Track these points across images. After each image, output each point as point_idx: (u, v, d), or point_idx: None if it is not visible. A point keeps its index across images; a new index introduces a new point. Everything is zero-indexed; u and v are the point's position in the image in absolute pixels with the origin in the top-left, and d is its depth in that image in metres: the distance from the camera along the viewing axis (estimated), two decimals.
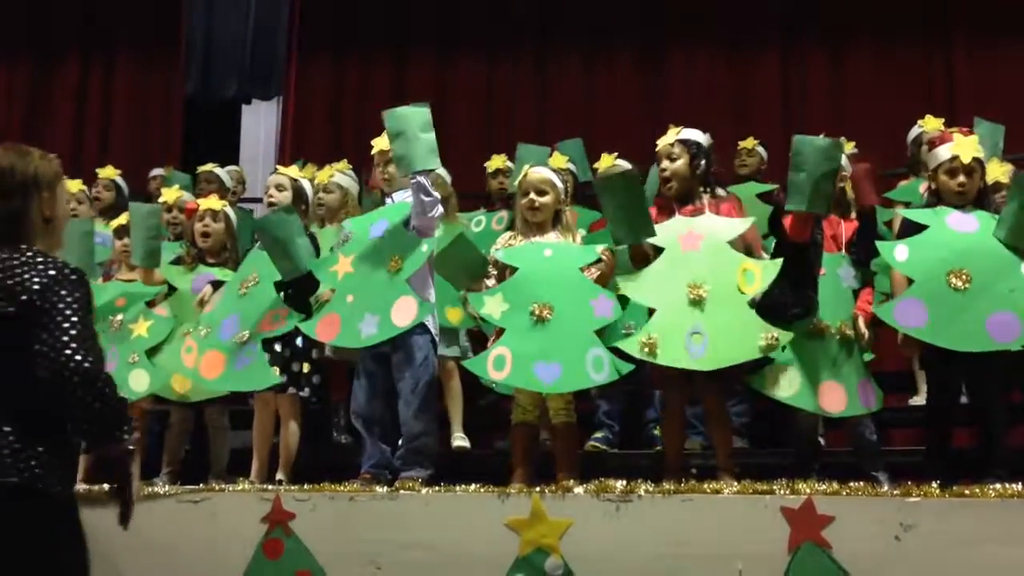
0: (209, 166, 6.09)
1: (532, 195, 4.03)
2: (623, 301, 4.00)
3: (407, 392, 3.91)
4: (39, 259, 2.29)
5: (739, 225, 3.88)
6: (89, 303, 2.30)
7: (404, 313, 3.85)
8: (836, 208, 4.00)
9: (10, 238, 2.33)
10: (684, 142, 3.96)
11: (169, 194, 5.14)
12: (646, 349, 3.67)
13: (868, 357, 3.95)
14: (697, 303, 3.70)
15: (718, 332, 3.66)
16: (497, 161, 5.63)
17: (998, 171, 4.36)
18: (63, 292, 2.24)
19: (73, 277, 2.29)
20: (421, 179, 3.92)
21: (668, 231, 3.87)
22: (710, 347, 3.65)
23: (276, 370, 4.06)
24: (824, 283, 3.75)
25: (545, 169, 4.12)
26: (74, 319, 2.21)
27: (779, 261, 3.80)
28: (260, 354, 4.05)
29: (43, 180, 2.41)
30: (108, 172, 5.89)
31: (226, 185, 6.04)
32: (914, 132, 5.22)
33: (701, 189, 3.95)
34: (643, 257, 3.89)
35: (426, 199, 3.93)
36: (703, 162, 3.97)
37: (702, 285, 3.71)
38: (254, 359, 4.03)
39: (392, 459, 3.97)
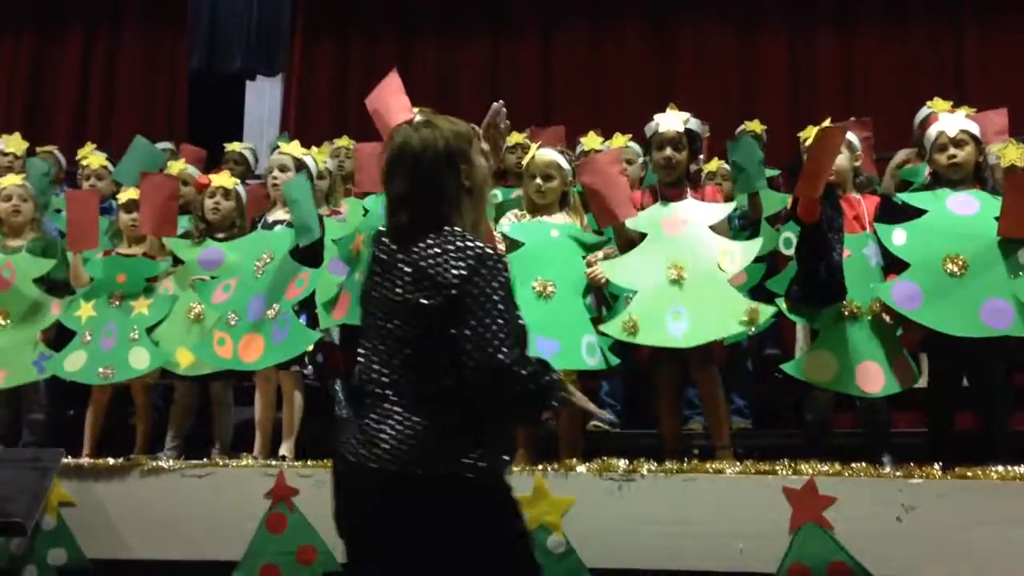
0: (237, 146, 6.06)
1: (538, 179, 4.04)
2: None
3: None
4: (459, 243, 2.18)
5: (721, 210, 3.93)
6: (511, 286, 2.19)
7: None
8: (856, 187, 4.01)
9: (432, 220, 2.23)
10: (691, 132, 4.00)
11: (175, 167, 5.14)
12: (627, 330, 3.72)
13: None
14: (677, 283, 3.77)
15: (698, 310, 3.72)
16: (516, 137, 5.59)
17: (1015, 154, 4.35)
18: (486, 279, 2.14)
19: (492, 261, 2.17)
20: None
21: (651, 216, 3.94)
22: (690, 325, 3.69)
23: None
24: (851, 264, 3.75)
25: (552, 152, 4.12)
26: (497, 312, 2.12)
27: (758, 241, 3.93)
28: (294, 319, 4.08)
29: (456, 151, 2.27)
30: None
31: (251, 166, 6.03)
32: (922, 114, 5.19)
33: (687, 177, 4.04)
34: (629, 242, 3.94)
35: None
36: (700, 155, 4.10)
37: (683, 266, 3.77)
38: (289, 327, 4.06)
39: None
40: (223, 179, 4.54)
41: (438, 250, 2.18)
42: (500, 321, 2.12)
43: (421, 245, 2.21)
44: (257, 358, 4.06)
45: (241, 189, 4.61)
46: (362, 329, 2.33)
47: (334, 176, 4.83)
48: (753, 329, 3.83)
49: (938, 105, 4.61)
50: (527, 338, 2.21)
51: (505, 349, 2.10)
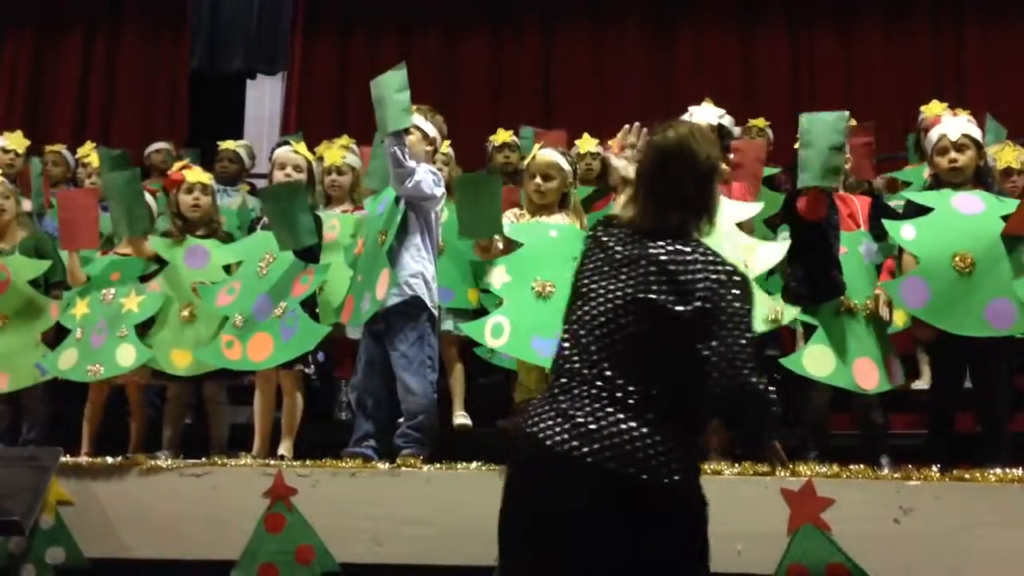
0: (231, 144, 6.06)
1: (538, 179, 4.03)
2: None
3: (402, 370, 3.86)
4: (711, 256, 2.18)
5: (748, 209, 3.91)
6: (753, 309, 2.20)
7: (383, 286, 3.83)
8: (845, 188, 4.01)
9: (693, 226, 2.24)
10: (722, 128, 3.98)
11: (177, 167, 5.12)
12: None
13: (893, 329, 3.94)
14: None
15: None
16: (503, 135, 5.59)
17: (1010, 156, 4.36)
18: (739, 297, 2.15)
19: (739, 278, 2.18)
20: (394, 147, 3.75)
21: None
22: None
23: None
24: (847, 261, 3.77)
25: (553, 152, 4.12)
26: (748, 333, 2.14)
27: (786, 243, 3.88)
28: (302, 316, 4.07)
29: (717, 167, 2.31)
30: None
31: (245, 164, 6.04)
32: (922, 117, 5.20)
33: None
34: None
35: (395, 169, 3.78)
36: (730, 154, 4.09)
37: None
38: (298, 324, 4.05)
39: (376, 433, 3.94)
40: (198, 175, 4.51)
41: (690, 257, 2.17)
42: (747, 340, 2.14)
43: (671, 249, 2.18)
44: (267, 357, 4.06)
45: (214, 184, 4.61)
46: (568, 316, 2.29)
47: (357, 172, 4.81)
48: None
49: (932, 109, 4.63)
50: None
51: (753, 369, 2.13)
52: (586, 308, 2.23)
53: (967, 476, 3.34)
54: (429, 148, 4.12)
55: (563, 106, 7.57)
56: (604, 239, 2.29)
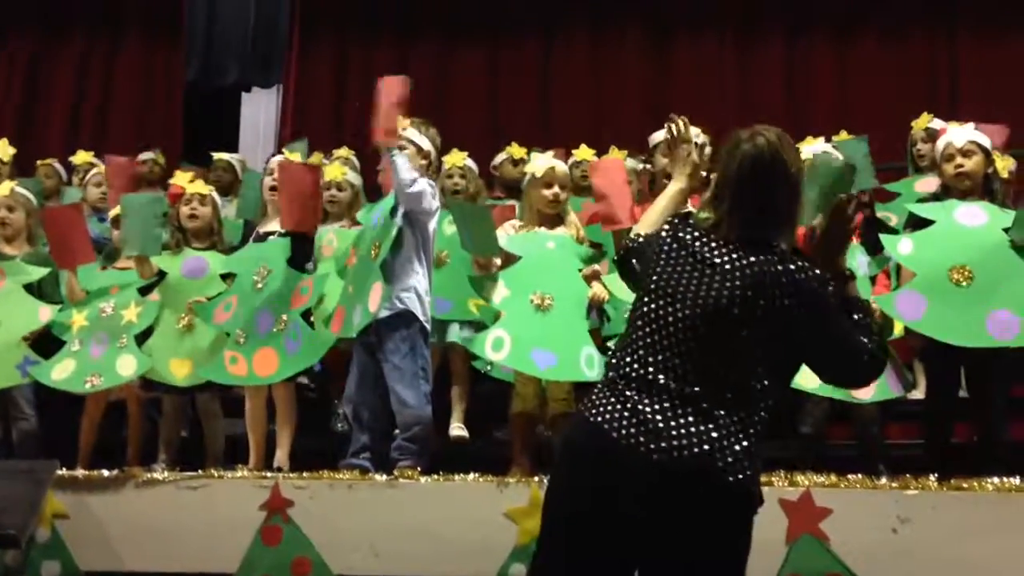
0: (225, 156, 6.07)
1: (556, 188, 4.07)
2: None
3: (395, 382, 3.85)
4: (800, 265, 2.17)
5: None
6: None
7: (376, 299, 3.82)
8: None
9: (775, 238, 2.21)
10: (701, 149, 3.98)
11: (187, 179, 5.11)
12: None
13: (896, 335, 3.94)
14: None
15: None
16: (518, 151, 5.56)
17: (1000, 165, 4.37)
18: (830, 293, 2.18)
19: (829, 280, 2.20)
20: (395, 156, 3.82)
21: None
22: None
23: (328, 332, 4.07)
24: None
25: (563, 163, 4.18)
26: (840, 318, 2.19)
27: None
28: (305, 328, 4.07)
29: (803, 175, 2.29)
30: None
31: (238, 175, 6.05)
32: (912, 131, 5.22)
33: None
34: None
35: (397, 178, 3.84)
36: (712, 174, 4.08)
37: None
38: (302, 336, 4.05)
39: (372, 445, 3.93)
40: (198, 186, 4.51)
41: (782, 268, 2.16)
42: (847, 324, 2.21)
43: (763, 258, 2.17)
44: (273, 372, 4.04)
45: (216, 195, 4.61)
46: (642, 311, 2.24)
47: (356, 189, 4.78)
48: None
49: (920, 123, 4.64)
50: None
51: (875, 338, 2.22)
52: (669, 309, 2.19)
53: (965, 486, 3.34)
54: (424, 161, 4.13)
55: (561, 115, 7.58)
56: (686, 239, 2.26)
